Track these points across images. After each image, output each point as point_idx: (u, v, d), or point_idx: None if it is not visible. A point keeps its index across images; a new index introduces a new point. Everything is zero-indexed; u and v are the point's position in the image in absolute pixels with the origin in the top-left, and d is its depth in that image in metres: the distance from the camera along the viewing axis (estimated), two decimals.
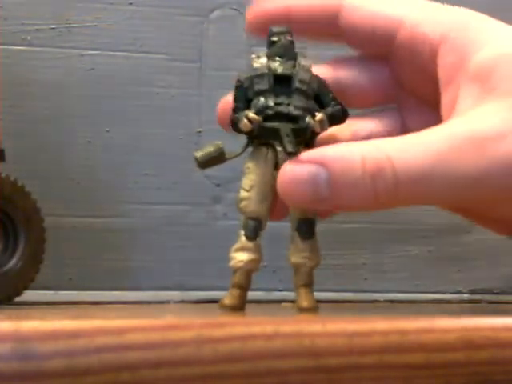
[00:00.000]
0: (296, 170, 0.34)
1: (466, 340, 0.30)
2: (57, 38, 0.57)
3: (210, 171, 0.58)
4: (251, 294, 0.38)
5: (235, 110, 0.38)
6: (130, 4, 0.58)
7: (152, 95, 0.58)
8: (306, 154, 0.35)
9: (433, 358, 0.30)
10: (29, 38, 0.57)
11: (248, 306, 0.38)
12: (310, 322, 0.30)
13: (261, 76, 0.38)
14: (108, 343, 0.27)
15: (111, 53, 0.58)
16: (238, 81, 0.39)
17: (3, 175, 0.45)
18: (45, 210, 0.47)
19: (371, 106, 0.42)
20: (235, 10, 0.60)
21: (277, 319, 0.30)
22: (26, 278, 0.45)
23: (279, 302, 0.53)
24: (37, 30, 0.57)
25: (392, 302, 0.59)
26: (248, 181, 0.38)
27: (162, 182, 0.58)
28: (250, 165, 0.38)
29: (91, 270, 0.57)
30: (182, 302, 0.55)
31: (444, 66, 0.37)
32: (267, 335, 0.28)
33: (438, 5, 0.39)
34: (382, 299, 0.60)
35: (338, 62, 0.41)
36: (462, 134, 0.34)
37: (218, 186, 0.59)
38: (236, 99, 0.38)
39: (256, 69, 0.39)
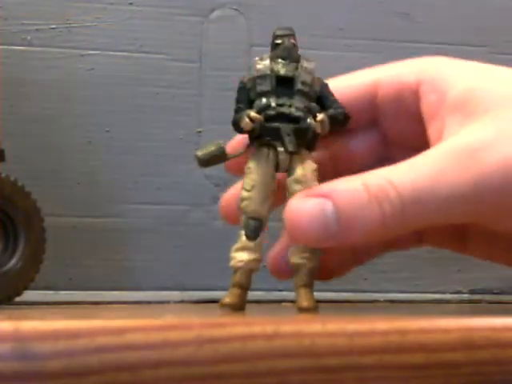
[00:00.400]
0: (301, 206, 0.35)
1: (466, 340, 0.30)
2: (57, 37, 0.57)
3: (209, 171, 0.58)
4: (251, 294, 0.38)
5: (237, 110, 0.38)
6: (130, 4, 0.58)
7: (152, 95, 0.58)
8: (308, 191, 0.35)
9: (433, 358, 0.30)
10: (29, 37, 0.57)
11: (248, 306, 0.38)
12: (309, 321, 0.30)
13: (263, 77, 0.38)
14: (108, 343, 0.27)
15: (111, 53, 0.58)
16: (241, 82, 0.39)
17: (3, 175, 0.45)
18: (45, 210, 0.47)
19: (362, 169, 0.42)
20: (235, 10, 0.60)
21: (277, 319, 0.30)
22: (26, 278, 0.45)
23: (279, 302, 0.53)
24: (37, 30, 0.57)
25: (392, 301, 0.59)
26: (249, 181, 0.38)
27: (162, 182, 0.58)
28: (251, 165, 0.38)
29: (91, 270, 0.57)
30: (182, 302, 0.55)
31: (427, 104, 0.39)
32: (267, 335, 0.28)
33: (402, 61, 0.42)
34: (382, 299, 0.60)
35: None
36: (454, 149, 0.36)
37: (218, 186, 0.59)
38: (238, 100, 0.38)
39: (259, 70, 0.39)
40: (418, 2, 0.63)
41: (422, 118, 0.40)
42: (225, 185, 0.59)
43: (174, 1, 0.59)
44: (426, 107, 0.39)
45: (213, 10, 0.60)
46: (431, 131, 0.39)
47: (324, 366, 0.29)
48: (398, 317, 0.33)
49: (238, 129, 0.38)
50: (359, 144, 0.42)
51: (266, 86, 0.38)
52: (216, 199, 0.59)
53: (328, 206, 0.34)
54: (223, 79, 0.59)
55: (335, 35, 0.61)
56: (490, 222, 0.37)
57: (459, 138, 0.36)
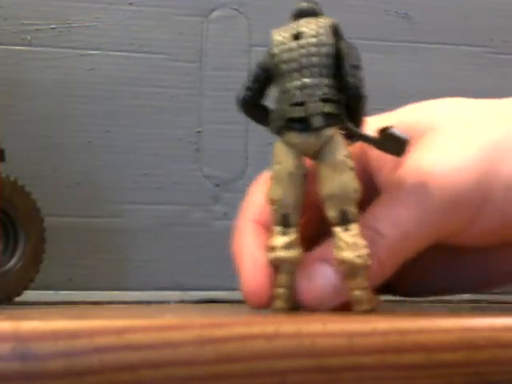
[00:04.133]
0: (310, 274, 0.36)
1: (466, 340, 0.30)
2: (57, 37, 0.57)
3: (209, 171, 0.58)
4: None
5: None
6: (130, 4, 0.58)
7: (152, 95, 0.58)
8: (306, 268, 0.37)
9: (433, 358, 0.30)
10: (29, 37, 0.57)
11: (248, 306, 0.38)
12: (309, 321, 0.30)
13: None
14: (108, 343, 0.27)
15: (111, 53, 0.58)
16: None
17: (3, 175, 0.45)
18: (45, 210, 0.47)
19: None
20: (235, 10, 0.60)
21: (277, 319, 0.30)
22: (25, 278, 0.45)
23: None
24: (37, 30, 0.57)
25: (392, 302, 0.59)
26: None
27: (162, 182, 0.58)
28: None
29: (91, 270, 0.57)
30: (182, 302, 0.55)
31: (372, 158, 0.40)
32: (267, 335, 0.28)
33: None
34: (382, 299, 0.59)
35: None
36: (403, 175, 0.37)
37: (218, 186, 0.59)
38: None
39: None
40: (418, 2, 0.63)
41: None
42: (224, 185, 0.59)
43: (174, 1, 0.59)
44: (373, 161, 0.40)
45: (213, 10, 0.60)
46: (380, 180, 0.40)
47: (324, 366, 0.29)
48: (398, 317, 0.33)
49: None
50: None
51: None
52: (216, 199, 0.59)
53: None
54: (223, 79, 0.59)
55: None
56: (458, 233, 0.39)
57: (407, 165, 0.37)
